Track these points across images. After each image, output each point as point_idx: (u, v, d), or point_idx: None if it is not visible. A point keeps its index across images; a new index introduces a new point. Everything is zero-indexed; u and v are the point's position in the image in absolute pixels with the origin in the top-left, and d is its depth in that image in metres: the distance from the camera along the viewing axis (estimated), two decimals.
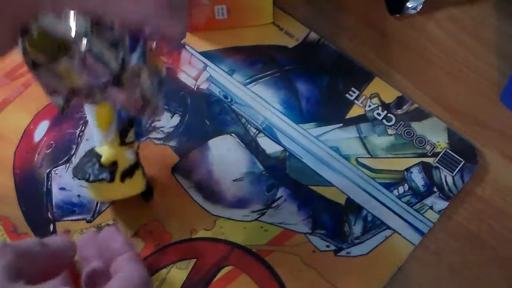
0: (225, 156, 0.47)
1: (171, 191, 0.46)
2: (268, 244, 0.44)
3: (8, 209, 0.45)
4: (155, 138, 0.48)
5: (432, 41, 0.51)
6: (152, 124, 0.48)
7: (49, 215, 0.45)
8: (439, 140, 0.47)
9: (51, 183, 0.46)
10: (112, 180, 0.41)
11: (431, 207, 0.45)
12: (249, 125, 0.48)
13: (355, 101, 0.49)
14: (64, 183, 0.46)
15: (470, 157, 0.47)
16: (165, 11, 0.30)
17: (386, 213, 0.45)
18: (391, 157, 0.47)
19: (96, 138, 0.43)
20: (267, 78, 0.50)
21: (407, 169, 0.46)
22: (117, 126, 0.42)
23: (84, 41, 0.33)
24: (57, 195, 0.46)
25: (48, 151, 0.47)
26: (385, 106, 0.48)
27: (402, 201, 0.45)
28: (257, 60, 0.51)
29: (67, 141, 0.48)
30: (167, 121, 0.48)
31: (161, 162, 0.47)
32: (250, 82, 0.50)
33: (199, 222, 0.45)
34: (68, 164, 0.47)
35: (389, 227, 0.44)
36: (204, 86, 0.50)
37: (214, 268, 0.43)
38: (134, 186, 0.43)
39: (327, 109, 0.48)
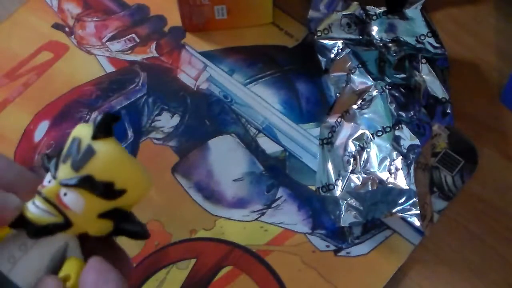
0: (225, 156, 0.47)
1: (171, 191, 0.46)
2: (268, 244, 0.44)
3: None
4: (155, 138, 0.48)
5: None
6: (152, 124, 0.48)
7: None
8: (439, 140, 0.47)
9: None
10: None
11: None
12: (249, 125, 0.48)
13: None
14: None
15: (470, 157, 0.47)
16: None
17: None
18: None
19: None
20: (267, 78, 0.50)
21: None
22: None
23: None
24: None
25: (48, 151, 0.47)
26: None
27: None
28: (257, 60, 0.51)
29: None
30: (167, 121, 0.48)
31: (161, 162, 0.47)
32: (250, 82, 0.50)
33: (199, 222, 0.45)
34: None
35: (389, 227, 0.44)
36: (204, 86, 0.50)
37: (214, 268, 0.43)
38: None
39: (327, 109, 0.48)
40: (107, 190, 0.26)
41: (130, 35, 0.52)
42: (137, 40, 0.52)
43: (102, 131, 0.26)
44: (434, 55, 0.48)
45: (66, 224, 0.26)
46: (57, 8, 0.53)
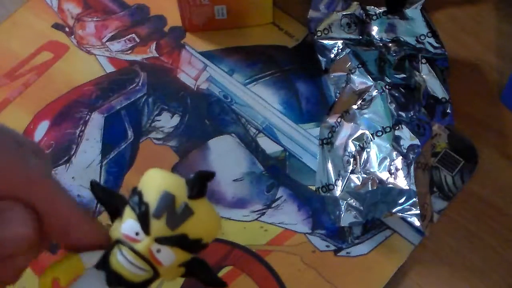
0: (225, 156, 0.47)
1: None
2: (268, 244, 0.44)
3: None
4: (155, 138, 0.48)
5: None
6: (152, 124, 0.48)
7: None
8: (439, 140, 0.47)
9: None
10: None
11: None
12: (249, 125, 0.48)
13: None
14: (64, 183, 0.46)
15: (470, 157, 0.47)
16: None
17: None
18: None
19: None
20: (267, 78, 0.50)
21: None
22: None
23: None
24: None
25: (48, 151, 0.47)
26: None
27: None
28: (257, 60, 0.51)
29: (67, 141, 0.48)
30: (167, 121, 0.48)
31: (161, 162, 0.47)
32: (250, 82, 0.50)
33: None
34: (68, 164, 0.47)
35: (389, 227, 0.44)
36: (204, 86, 0.50)
37: (214, 268, 0.43)
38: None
39: (327, 109, 0.48)
40: (196, 246, 0.27)
41: (130, 35, 0.52)
42: (137, 40, 0.52)
43: (198, 191, 0.26)
44: (434, 55, 0.48)
45: (155, 278, 0.27)
46: (57, 8, 0.53)
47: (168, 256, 0.26)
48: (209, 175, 0.27)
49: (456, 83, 0.48)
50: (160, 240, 0.26)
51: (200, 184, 0.26)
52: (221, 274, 0.43)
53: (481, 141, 0.47)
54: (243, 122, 0.48)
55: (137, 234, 0.26)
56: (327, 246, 0.44)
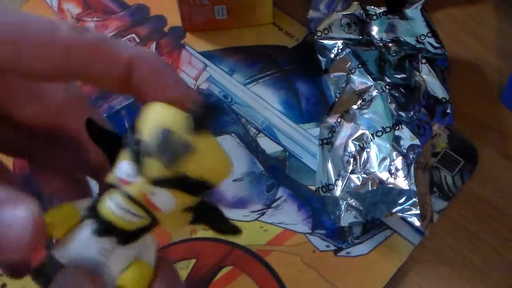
0: None
1: None
2: (268, 244, 0.44)
3: None
4: None
5: None
6: None
7: None
8: (439, 140, 0.47)
9: None
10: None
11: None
12: (249, 125, 0.48)
13: None
14: None
15: (470, 157, 0.47)
16: None
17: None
18: None
19: None
20: (267, 78, 0.50)
21: None
22: None
23: None
24: None
25: None
26: None
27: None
28: (257, 60, 0.51)
29: None
30: None
31: None
32: (250, 82, 0.50)
33: None
34: None
35: (389, 227, 0.44)
36: (204, 86, 0.50)
37: (214, 268, 0.43)
38: None
39: (327, 109, 0.48)
40: (200, 187, 0.23)
41: (130, 35, 0.52)
42: (137, 40, 0.52)
43: (202, 125, 0.22)
44: (434, 55, 0.48)
45: (152, 225, 0.23)
46: (57, 8, 0.53)
47: (166, 200, 0.22)
48: (215, 107, 0.23)
49: (456, 83, 0.48)
50: (155, 182, 0.22)
51: (203, 115, 0.22)
52: (221, 274, 0.43)
53: (481, 141, 0.47)
54: (243, 122, 0.48)
55: (128, 176, 0.22)
56: (327, 246, 0.44)
